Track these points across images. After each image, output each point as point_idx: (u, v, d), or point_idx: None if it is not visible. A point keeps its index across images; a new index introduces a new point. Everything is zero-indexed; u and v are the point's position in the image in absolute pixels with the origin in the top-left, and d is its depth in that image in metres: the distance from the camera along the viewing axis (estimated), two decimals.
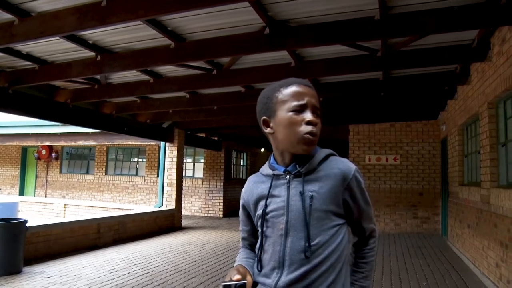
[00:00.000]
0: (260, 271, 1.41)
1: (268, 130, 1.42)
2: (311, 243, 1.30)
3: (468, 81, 6.49)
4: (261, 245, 1.43)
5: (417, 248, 8.35)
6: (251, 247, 1.55)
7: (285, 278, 1.31)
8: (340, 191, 1.36)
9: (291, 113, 1.35)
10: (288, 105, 1.36)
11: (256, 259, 1.45)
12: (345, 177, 1.36)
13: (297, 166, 1.38)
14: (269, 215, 1.40)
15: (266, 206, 1.41)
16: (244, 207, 1.54)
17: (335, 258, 1.32)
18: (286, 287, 1.31)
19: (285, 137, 1.37)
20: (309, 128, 1.33)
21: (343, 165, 1.39)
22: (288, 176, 1.39)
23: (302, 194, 1.35)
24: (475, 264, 6.24)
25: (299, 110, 1.35)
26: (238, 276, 1.28)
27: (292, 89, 1.38)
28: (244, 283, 1.23)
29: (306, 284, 1.29)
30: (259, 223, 1.44)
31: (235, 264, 1.49)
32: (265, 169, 1.48)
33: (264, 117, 1.43)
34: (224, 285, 1.22)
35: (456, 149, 7.90)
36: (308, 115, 1.35)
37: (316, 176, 1.36)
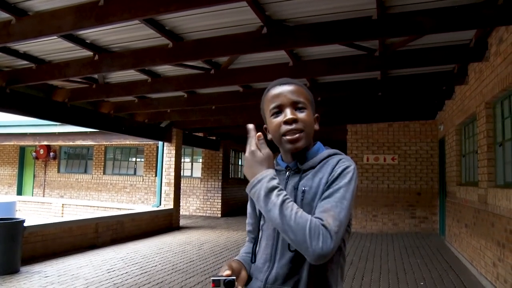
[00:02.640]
0: (254, 263, 1.43)
1: (269, 136, 1.46)
2: None
3: (466, 81, 6.50)
4: (258, 239, 1.45)
5: (415, 248, 8.37)
6: (255, 240, 1.56)
7: (275, 272, 1.33)
8: (326, 181, 1.30)
9: (272, 117, 1.39)
10: (269, 110, 1.40)
11: (252, 251, 1.47)
12: (334, 168, 1.31)
13: (297, 163, 1.40)
14: None
15: None
16: (251, 199, 1.56)
17: None
18: (276, 281, 1.31)
19: (275, 141, 1.41)
20: (285, 128, 1.34)
21: (338, 158, 1.35)
22: (288, 172, 1.41)
23: (296, 189, 1.35)
24: (473, 263, 6.25)
25: (277, 112, 1.37)
26: (228, 272, 1.28)
27: (269, 94, 1.41)
28: (233, 279, 1.23)
29: (296, 280, 1.29)
30: (259, 217, 1.46)
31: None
32: None
33: (264, 125, 1.47)
34: (213, 279, 1.23)
35: (454, 149, 7.91)
36: (285, 114, 1.35)
37: (313, 172, 1.36)
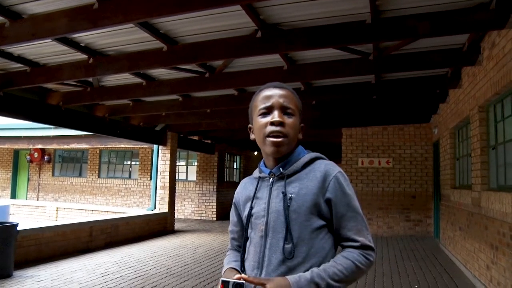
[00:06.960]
0: (244, 271, 1.42)
1: (252, 136, 1.47)
2: (289, 245, 1.30)
3: (459, 85, 6.54)
4: (244, 247, 1.45)
5: (410, 251, 8.39)
6: (239, 248, 1.55)
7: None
8: (321, 193, 1.33)
9: (259, 117, 1.40)
10: (257, 109, 1.41)
11: (239, 260, 1.46)
12: (325, 178, 1.34)
13: (281, 168, 1.40)
14: (253, 217, 1.42)
15: (251, 208, 1.43)
16: (235, 206, 1.56)
17: (314, 261, 1.30)
18: None
19: (258, 141, 1.42)
20: (270, 129, 1.36)
21: (326, 167, 1.38)
22: (271, 178, 1.41)
23: (282, 195, 1.35)
24: (467, 266, 6.28)
25: (266, 112, 1.39)
26: (238, 275, 1.28)
27: (261, 94, 1.42)
28: (243, 283, 1.25)
29: None
30: (245, 225, 1.45)
31: (223, 268, 1.50)
32: (256, 171, 1.51)
33: (249, 125, 1.49)
34: (222, 280, 1.25)
35: (448, 152, 7.95)
36: (273, 116, 1.36)
37: (298, 178, 1.37)
